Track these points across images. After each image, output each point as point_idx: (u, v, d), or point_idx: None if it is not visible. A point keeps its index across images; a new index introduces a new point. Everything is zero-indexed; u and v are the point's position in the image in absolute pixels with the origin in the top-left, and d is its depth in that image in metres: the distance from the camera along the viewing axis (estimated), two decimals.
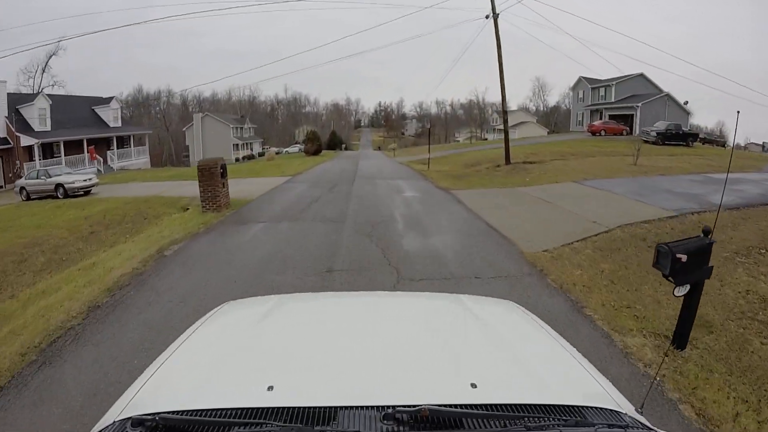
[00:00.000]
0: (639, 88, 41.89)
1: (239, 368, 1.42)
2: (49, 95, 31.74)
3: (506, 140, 19.78)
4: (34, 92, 34.19)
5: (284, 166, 27.69)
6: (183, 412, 1.15)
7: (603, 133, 33.57)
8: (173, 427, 1.09)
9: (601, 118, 40.34)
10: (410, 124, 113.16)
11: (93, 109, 36.23)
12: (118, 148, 34.50)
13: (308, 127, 66.22)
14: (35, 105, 29.56)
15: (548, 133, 65.54)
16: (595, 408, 1.22)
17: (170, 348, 1.64)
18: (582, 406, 1.22)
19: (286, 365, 1.43)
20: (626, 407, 1.30)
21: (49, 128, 29.69)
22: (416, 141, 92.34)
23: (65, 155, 28.83)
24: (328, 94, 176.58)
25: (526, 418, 1.12)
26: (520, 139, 41.64)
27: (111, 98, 35.89)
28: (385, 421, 1.08)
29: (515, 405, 1.17)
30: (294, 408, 1.14)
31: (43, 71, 56.63)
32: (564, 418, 1.13)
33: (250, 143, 69.27)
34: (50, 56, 48.75)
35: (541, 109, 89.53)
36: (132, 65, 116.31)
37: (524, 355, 1.54)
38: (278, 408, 1.14)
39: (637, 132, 33.16)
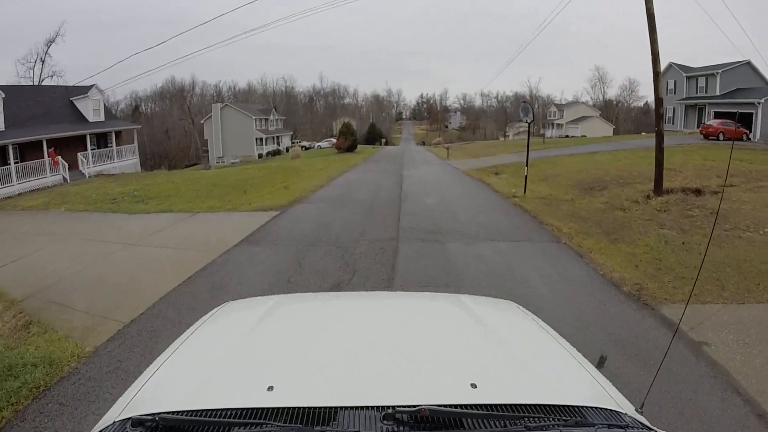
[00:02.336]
0: (746, 80, 35.65)
1: (239, 368, 1.46)
2: (6, 86, 27.55)
3: (659, 148, 12.52)
4: None
5: (298, 173, 24.14)
6: (183, 412, 1.18)
7: (721, 136, 27.87)
8: (173, 427, 1.12)
9: (702, 116, 35.82)
10: (454, 116, 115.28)
11: (72, 102, 32.28)
12: (98, 147, 31.04)
13: (347, 120, 63.78)
14: None
15: (614, 132, 61.88)
16: (595, 408, 1.25)
17: (170, 348, 1.69)
18: (582, 406, 1.25)
19: (286, 365, 1.46)
20: (626, 407, 1.33)
21: (2, 127, 25.62)
22: (461, 135, 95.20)
23: (21, 160, 25.31)
24: (368, 85, 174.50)
25: (526, 418, 1.15)
26: (595, 141, 36.64)
27: (90, 87, 31.77)
28: (385, 421, 1.11)
29: (515, 405, 1.21)
30: (294, 408, 1.17)
31: (42, 61, 55.16)
32: (564, 418, 1.16)
33: (277, 137, 67.12)
34: (49, 44, 47.34)
35: (600, 102, 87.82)
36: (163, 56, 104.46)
37: (524, 355, 1.57)
38: (278, 408, 1.17)
39: (758, 137, 29.28)
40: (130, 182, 21.97)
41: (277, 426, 1.08)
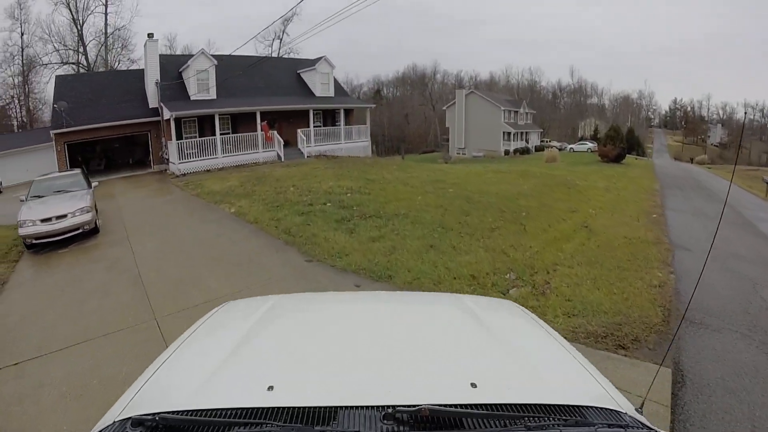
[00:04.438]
0: None
1: (239, 368, 1.53)
2: (220, 55, 27.11)
3: None
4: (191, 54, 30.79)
5: (579, 192, 17.72)
6: (183, 412, 1.22)
7: None
8: (173, 427, 1.16)
9: None
10: (713, 129, 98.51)
11: (298, 74, 30.75)
12: (323, 125, 28.98)
13: (594, 121, 69.26)
14: (191, 67, 25.22)
15: None
16: (595, 408, 1.30)
17: (170, 348, 1.79)
18: (582, 406, 1.30)
19: (286, 365, 1.54)
20: (626, 407, 1.39)
21: (213, 96, 25.24)
22: (722, 153, 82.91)
23: (232, 132, 24.58)
24: (617, 85, 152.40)
25: (526, 418, 1.19)
26: None
27: (319, 59, 30.22)
28: (385, 421, 1.14)
29: (515, 405, 1.26)
30: (294, 408, 1.21)
31: (280, 39, 57.49)
32: (564, 417, 1.21)
33: (526, 133, 61.66)
34: (286, 23, 50.33)
35: None
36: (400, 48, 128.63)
37: (524, 355, 1.65)
38: (278, 408, 1.22)
39: None
40: (352, 171, 18.86)
41: (277, 426, 1.12)
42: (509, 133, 57.02)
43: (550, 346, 1.77)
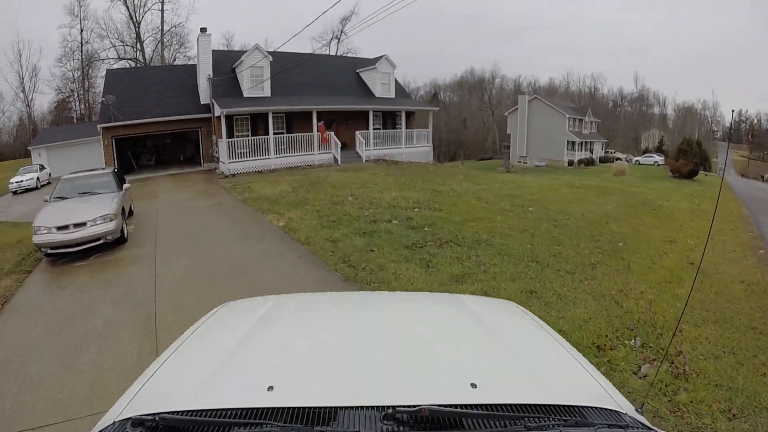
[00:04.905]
0: None
1: (239, 368, 1.51)
2: (276, 52, 24.80)
3: None
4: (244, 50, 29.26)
5: (668, 217, 15.61)
6: (183, 412, 1.20)
7: None
8: (173, 427, 1.15)
9: None
10: None
11: (358, 74, 29.12)
12: (383, 127, 27.12)
13: (659, 132, 65.42)
14: (244, 62, 23.93)
15: None
16: (595, 408, 1.28)
17: (170, 348, 1.77)
18: (582, 406, 1.28)
19: (286, 365, 1.51)
20: (626, 407, 1.37)
21: (268, 94, 23.86)
22: None
23: (287, 132, 22.99)
24: (682, 94, 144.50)
25: (526, 418, 1.18)
26: None
27: (379, 58, 28.37)
28: (385, 421, 1.13)
29: (515, 405, 1.24)
30: (294, 408, 1.20)
31: (338, 39, 56.91)
32: (564, 418, 1.19)
33: (590, 143, 58.73)
34: (344, 22, 49.22)
35: None
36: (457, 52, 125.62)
37: (524, 355, 1.64)
38: (278, 408, 1.20)
39: None
40: (416, 180, 17.01)
41: (277, 426, 1.11)
42: (573, 143, 54.06)
43: (550, 346, 1.76)
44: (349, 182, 16.64)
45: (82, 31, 53.17)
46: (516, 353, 1.58)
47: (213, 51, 24.91)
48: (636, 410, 1.34)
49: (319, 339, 1.70)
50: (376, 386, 1.29)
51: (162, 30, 54.85)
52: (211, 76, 23.62)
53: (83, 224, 9.17)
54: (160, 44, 55.33)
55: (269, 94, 24.14)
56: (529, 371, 1.45)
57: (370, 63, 29.05)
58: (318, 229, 10.41)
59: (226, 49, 55.16)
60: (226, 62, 25.12)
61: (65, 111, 56.84)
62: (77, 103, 57.12)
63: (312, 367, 1.42)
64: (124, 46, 54.44)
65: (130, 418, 1.17)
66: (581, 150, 55.30)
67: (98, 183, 11.56)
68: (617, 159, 53.50)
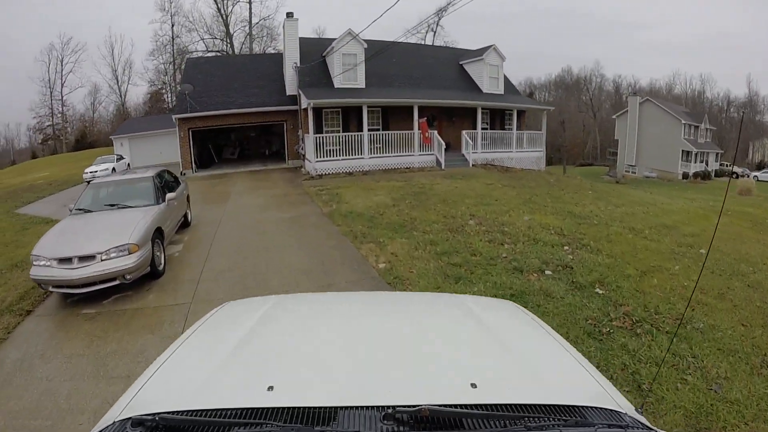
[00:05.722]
0: None
1: (239, 368, 1.48)
2: (370, 40, 21.75)
3: None
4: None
5: None
6: (183, 412, 1.19)
7: None
8: (173, 427, 1.13)
9: None
10: None
11: (461, 66, 25.31)
12: (490, 127, 23.30)
13: None
14: (335, 50, 21.23)
15: None
16: (595, 408, 1.26)
17: (170, 348, 1.73)
18: (582, 406, 1.26)
19: (286, 365, 1.49)
20: (626, 407, 1.34)
21: (362, 85, 21.09)
22: None
23: (383, 129, 20.21)
24: None
25: (526, 418, 1.16)
26: None
27: (487, 48, 24.22)
28: (385, 421, 1.12)
29: (515, 405, 1.22)
30: (294, 408, 1.18)
31: (434, 32, 54.29)
32: (564, 418, 1.17)
33: (705, 153, 51.32)
34: (440, 14, 41.53)
35: None
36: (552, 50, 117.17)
37: (524, 356, 1.61)
38: (278, 408, 1.18)
39: None
40: (541, 196, 13.49)
41: (277, 426, 1.09)
42: (689, 153, 46.96)
43: (550, 346, 1.74)
44: (462, 194, 13.09)
45: (173, 26, 54.92)
46: (516, 353, 1.56)
47: (300, 38, 22.30)
48: (636, 410, 1.32)
49: (319, 339, 1.68)
50: (376, 386, 1.29)
51: (250, 22, 54.67)
52: (298, 64, 21.07)
53: (91, 257, 6.16)
54: (248, 37, 54.98)
55: (363, 86, 21.23)
56: (529, 371, 1.43)
57: (475, 54, 25.26)
58: (439, 281, 6.58)
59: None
60: (315, 51, 22.42)
61: (158, 102, 58.35)
62: (169, 95, 58.29)
63: (312, 367, 1.41)
64: (213, 39, 55.02)
65: (130, 418, 1.16)
66: (696, 161, 48.24)
67: (131, 192, 8.41)
68: (734, 174, 45.70)
